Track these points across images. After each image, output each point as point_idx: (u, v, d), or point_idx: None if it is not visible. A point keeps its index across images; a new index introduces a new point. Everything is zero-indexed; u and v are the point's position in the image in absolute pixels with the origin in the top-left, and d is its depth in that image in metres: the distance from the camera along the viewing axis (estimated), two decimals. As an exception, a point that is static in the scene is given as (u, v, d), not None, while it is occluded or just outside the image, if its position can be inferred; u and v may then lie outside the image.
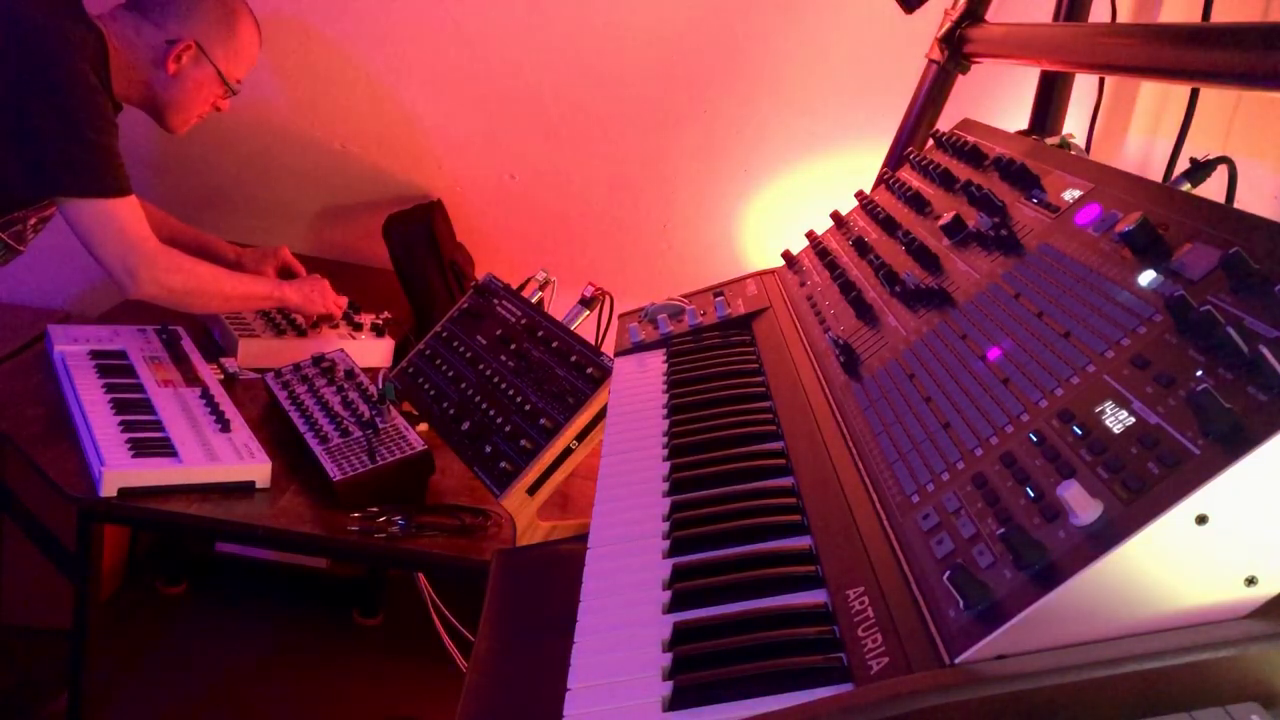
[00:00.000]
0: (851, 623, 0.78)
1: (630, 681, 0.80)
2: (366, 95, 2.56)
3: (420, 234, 2.40)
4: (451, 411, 1.75)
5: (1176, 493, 0.65)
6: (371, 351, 2.18)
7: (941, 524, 0.80)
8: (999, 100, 2.16)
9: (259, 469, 1.68)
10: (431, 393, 1.82)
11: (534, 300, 1.91)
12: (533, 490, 1.58)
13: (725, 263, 2.56)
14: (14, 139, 1.79)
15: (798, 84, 2.46)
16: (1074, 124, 1.87)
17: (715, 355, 1.38)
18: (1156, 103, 2.01)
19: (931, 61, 1.83)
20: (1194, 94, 1.56)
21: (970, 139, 1.40)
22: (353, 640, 2.61)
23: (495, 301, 1.91)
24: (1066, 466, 0.74)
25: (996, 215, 1.14)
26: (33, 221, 1.98)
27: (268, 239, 2.45)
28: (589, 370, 1.64)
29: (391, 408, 1.81)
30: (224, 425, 1.75)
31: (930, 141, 1.54)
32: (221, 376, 2.00)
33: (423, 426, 1.86)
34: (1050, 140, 1.69)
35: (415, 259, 2.39)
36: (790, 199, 2.56)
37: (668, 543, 0.97)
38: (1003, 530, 0.71)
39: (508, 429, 1.65)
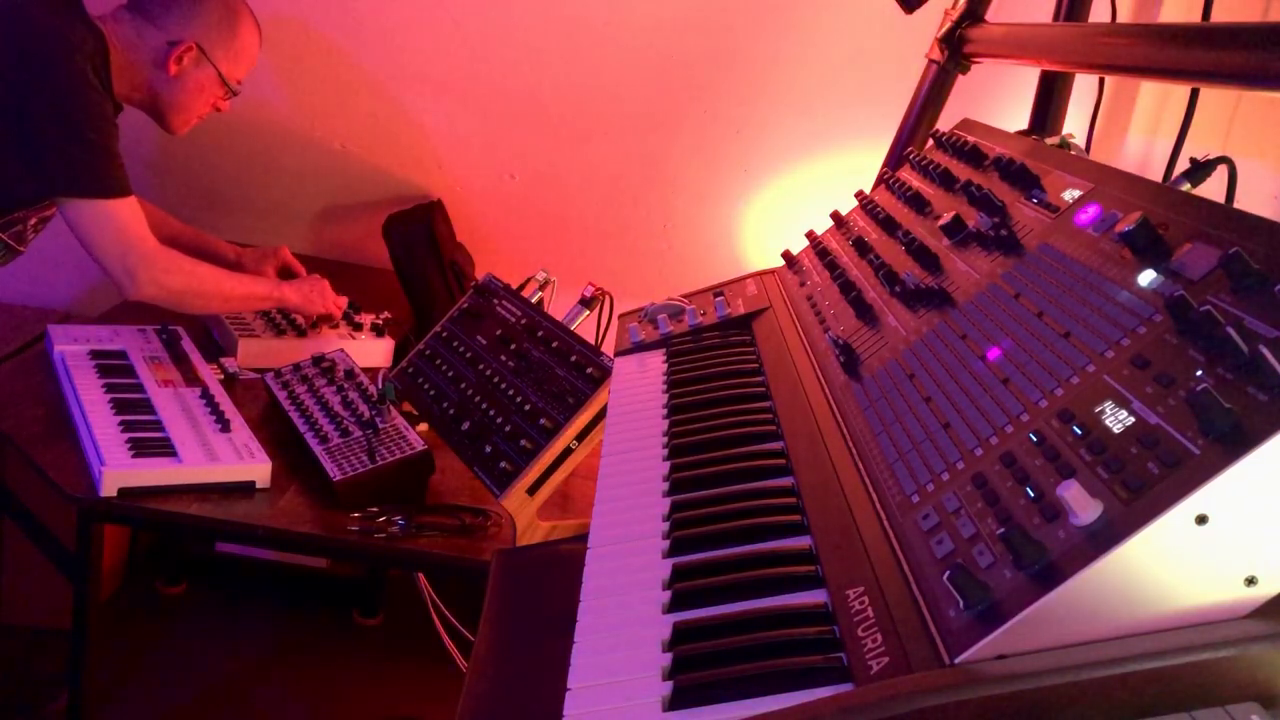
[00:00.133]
0: (851, 623, 0.78)
1: (630, 681, 0.80)
2: (366, 95, 2.56)
3: (420, 234, 2.40)
4: (451, 411, 1.75)
5: (1176, 493, 0.65)
6: (371, 351, 2.18)
7: (941, 524, 0.80)
8: (999, 100, 2.16)
9: (259, 469, 1.68)
10: (431, 393, 1.82)
11: (534, 300, 1.91)
12: (533, 490, 1.59)
13: (725, 263, 2.56)
14: (14, 139, 1.79)
15: (798, 84, 2.46)
16: (1074, 124, 1.87)
17: (715, 355, 1.38)
18: (1156, 103, 2.02)
19: (931, 61, 1.83)
20: (1194, 94, 1.56)
21: (970, 139, 1.40)
22: (353, 640, 2.61)
23: (495, 301, 1.91)
24: (1066, 466, 0.74)
25: (996, 215, 1.14)
26: (33, 222, 1.98)
27: (268, 239, 2.45)
28: (589, 370, 1.64)
29: (391, 408, 1.81)
30: (224, 425, 1.75)
31: (930, 141, 1.54)
32: (221, 376, 2.00)
33: (423, 426, 1.86)
34: (1050, 140, 1.69)
35: (415, 259, 2.39)
36: (790, 199, 2.56)
37: (668, 543, 0.97)
38: (1003, 530, 0.71)
39: (508, 429, 1.65)
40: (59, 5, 1.86)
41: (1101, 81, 1.83)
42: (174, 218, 2.23)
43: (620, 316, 1.64)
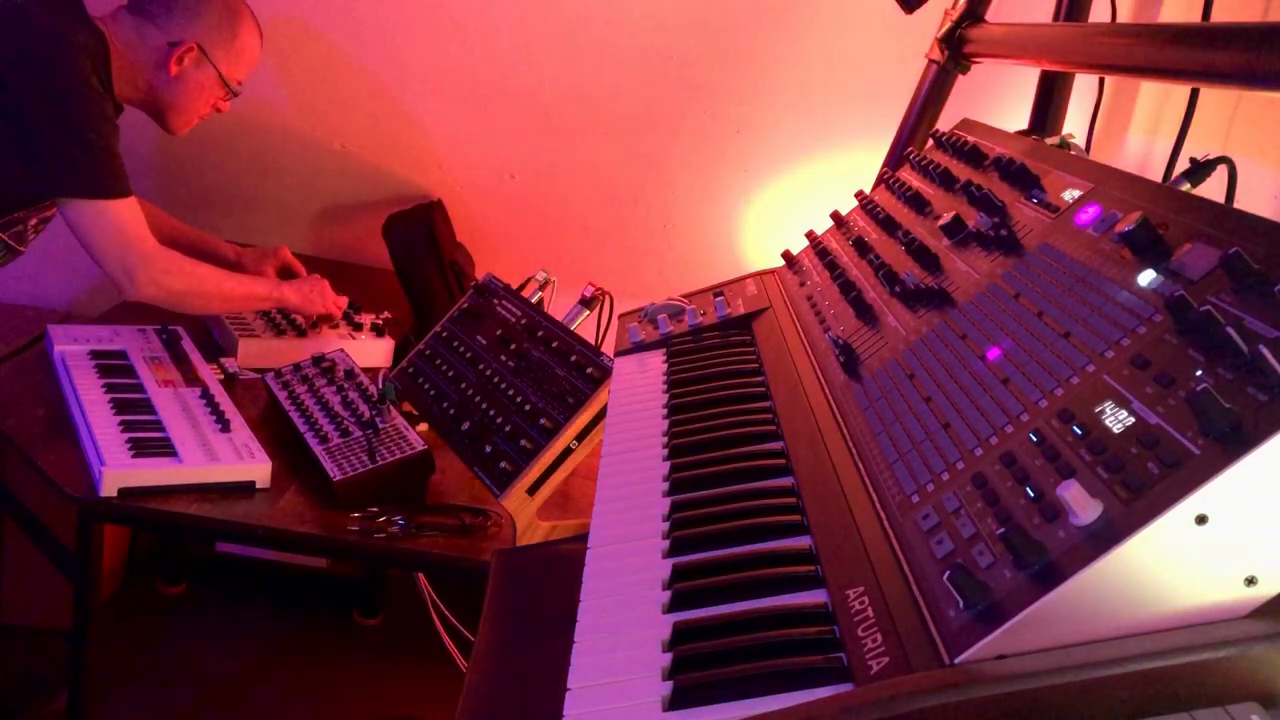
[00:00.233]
0: (851, 623, 0.78)
1: (630, 681, 0.80)
2: (366, 95, 2.56)
3: (420, 234, 2.40)
4: (451, 411, 1.75)
5: (1176, 493, 0.65)
6: (371, 351, 2.18)
7: (941, 524, 0.80)
8: (999, 100, 2.16)
9: (259, 469, 1.68)
10: (431, 393, 1.82)
11: (534, 300, 1.91)
12: (533, 490, 1.59)
13: (725, 263, 2.56)
14: (15, 139, 1.79)
15: (798, 84, 2.46)
16: (1074, 124, 1.87)
17: (715, 355, 1.38)
18: (1156, 103, 2.02)
19: (931, 61, 1.83)
20: (1194, 94, 1.56)
21: (970, 139, 1.40)
22: (353, 640, 2.61)
23: (495, 301, 1.92)
24: (1066, 466, 0.74)
25: (996, 215, 1.14)
26: (33, 222, 1.98)
27: (268, 239, 2.45)
28: (589, 370, 1.64)
29: (391, 408, 1.81)
30: (224, 425, 1.75)
31: (930, 141, 1.54)
32: (221, 376, 2.00)
33: (423, 426, 1.86)
34: (1050, 140, 1.69)
35: (415, 259, 2.39)
36: (790, 199, 2.56)
37: (667, 543, 0.97)
38: (1003, 530, 0.71)
39: (508, 429, 1.65)
40: (59, 5, 1.86)
41: (1101, 81, 1.83)
42: (174, 218, 2.23)
43: (620, 316, 1.64)
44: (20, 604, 2.28)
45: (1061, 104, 1.86)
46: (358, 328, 2.24)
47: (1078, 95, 1.87)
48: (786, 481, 1.04)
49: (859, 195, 1.55)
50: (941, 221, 1.21)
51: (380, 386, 1.82)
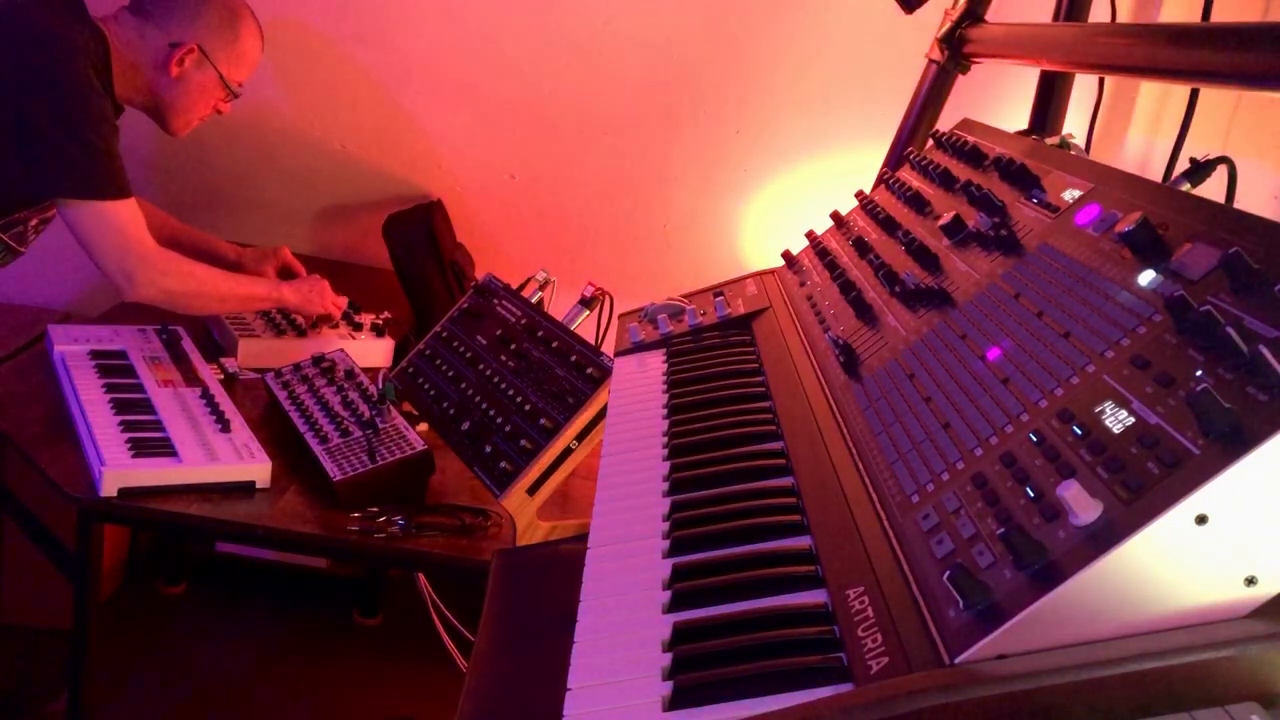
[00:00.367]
0: (851, 623, 0.78)
1: (630, 681, 0.80)
2: (366, 95, 2.56)
3: (420, 234, 2.40)
4: (451, 411, 1.75)
5: (1176, 493, 0.65)
6: (371, 351, 2.18)
7: (941, 524, 0.80)
8: (999, 100, 2.16)
9: (259, 469, 1.68)
10: (431, 393, 1.82)
11: (534, 300, 1.91)
12: (533, 490, 1.59)
13: (725, 263, 2.56)
14: (15, 139, 1.79)
15: (797, 84, 2.46)
16: (1074, 124, 1.87)
17: (715, 355, 1.38)
18: (1156, 103, 2.02)
19: (931, 61, 1.83)
20: (1194, 94, 1.56)
21: (970, 139, 1.40)
22: (353, 640, 2.61)
23: (495, 301, 1.92)
24: (1066, 466, 0.74)
25: (996, 215, 1.14)
26: (34, 223, 1.98)
27: (268, 239, 2.45)
28: (589, 370, 1.64)
29: (391, 408, 1.81)
30: (224, 425, 1.75)
31: (930, 141, 1.54)
32: (221, 376, 2.00)
33: (423, 426, 1.86)
34: (1050, 140, 1.69)
35: (415, 259, 2.39)
36: (790, 199, 2.56)
37: (668, 543, 0.97)
38: (1003, 530, 0.71)
39: (508, 429, 1.65)
40: (60, 6, 1.86)
41: (1101, 81, 1.83)
42: (174, 218, 2.23)
43: (620, 316, 1.64)
44: (20, 604, 2.28)
45: (1061, 104, 1.85)
46: (358, 328, 2.24)
47: (1078, 95, 1.87)
48: (786, 481, 1.04)
49: (859, 195, 1.55)
50: (941, 221, 1.21)
51: (380, 386, 1.82)
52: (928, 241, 1.23)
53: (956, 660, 0.68)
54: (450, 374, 1.82)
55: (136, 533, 2.62)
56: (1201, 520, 0.65)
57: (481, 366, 1.79)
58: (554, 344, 1.74)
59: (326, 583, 2.67)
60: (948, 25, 1.79)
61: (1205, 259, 0.80)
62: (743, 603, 0.85)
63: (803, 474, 1.03)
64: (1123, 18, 1.86)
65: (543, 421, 1.62)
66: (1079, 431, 0.76)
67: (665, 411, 1.25)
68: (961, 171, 1.34)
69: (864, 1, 2.34)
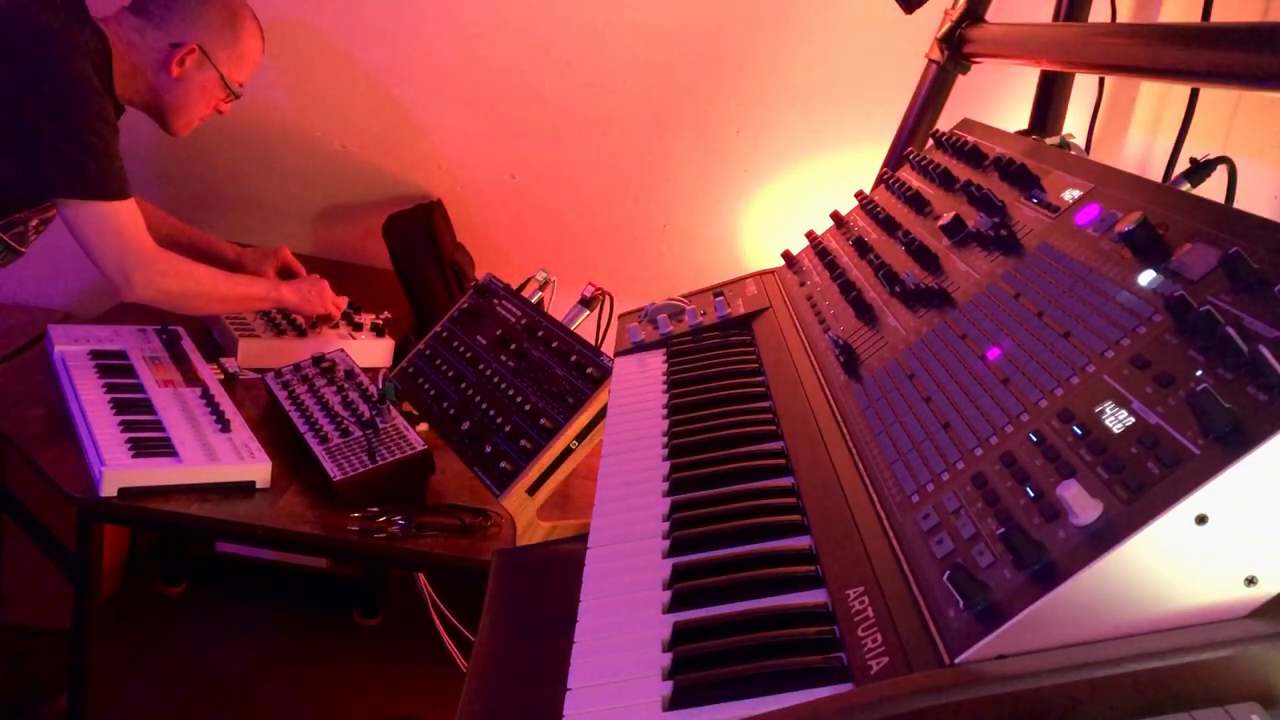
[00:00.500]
0: (851, 623, 0.78)
1: (630, 681, 0.80)
2: (366, 95, 2.56)
3: (420, 234, 2.40)
4: (451, 411, 1.75)
5: (1176, 493, 0.65)
6: (371, 351, 2.18)
7: (941, 524, 0.80)
8: (999, 100, 2.16)
9: (259, 469, 1.68)
10: (431, 393, 1.82)
11: (534, 300, 1.91)
12: (533, 490, 1.59)
13: (725, 263, 2.56)
14: (15, 139, 1.79)
15: (798, 84, 2.46)
16: (1074, 124, 1.88)
17: (715, 355, 1.38)
18: (1156, 103, 2.02)
19: (931, 61, 1.83)
20: (1194, 94, 1.56)
21: (970, 139, 1.40)
22: (353, 640, 2.61)
23: (495, 301, 1.92)
24: (1066, 466, 0.74)
25: (996, 215, 1.14)
26: (34, 223, 1.98)
27: (268, 239, 2.45)
28: (589, 370, 1.64)
29: (391, 408, 1.81)
30: (224, 425, 1.75)
31: (930, 141, 1.54)
32: (221, 376, 2.00)
33: (423, 426, 1.86)
34: (1050, 140, 1.69)
35: (415, 259, 2.39)
36: (790, 199, 2.56)
37: (668, 543, 0.98)
38: (1003, 530, 0.71)
39: (508, 429, 1.65)
40: (61, 6, 1.86)
41: (1101, 81, 1.83)
42: (174, 218, 2.23)
43: (620, 316, 1.64)
44: (20, 604, 2.28)
45: (1061, 104, 1.85)
46: (358, 328, 2.24)
47: (1078, 95, 1.87)
48: (786, 481, 1.04)
49: (859, 195, 1.55)
50: (941, 221, 1.21)
51: (380, 386, 1.82)
52: (928, 241, 1.23)
53: (956, 660, 0.68)
54: (450, 374, 1.82)
55: (136, 533, 2.62)
56: (1201, 520, 0.65)
57: (481, 366, 1.79)
58: (554, 344, 1.74)
59: (326, 583, 2.67)
60: (948, 25, 1.79)
61: (1205, 259, 0.80)
62: (743, 603, 0.85)
63: (803, 474, 1.03)
64: (1123, 18, 1.86)
65: (543, 421, 1.62)
66: (1079, 431, 0.76)
67: (665, 411, 1.25)
68: (961, 171, 1.34)
69: (864, 2, 2.34)
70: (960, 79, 1.82)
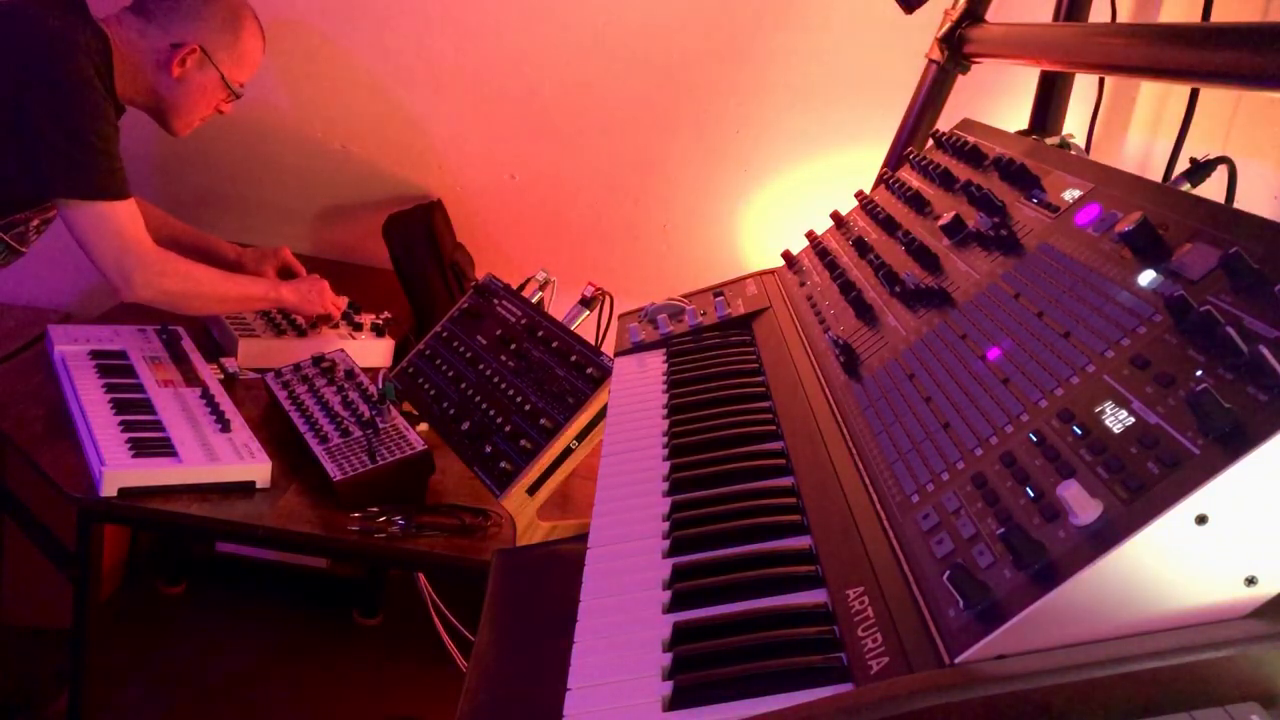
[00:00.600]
0: (851, 623, 0.78)
1: (630, 681, 0.80)
2: (366, 95, 2.56)
3: (420, 234, 2.40)
4: (451, 411, 1.75)
5: (1176, 493, 0.65)
6: (371, 351, 2.18)
7: (941, 524, 0.80)
8: (999, 100, 2.16)
9: (259, 469, 1.68)
10: (431, 393, 1.82)
11: (534, 300, 1.92)
12: (533, 490, 1.59)
13: (725, 263, 2.56)
14: (15, 139, 1.79)
15: (797, 84, 2.46)
16: (1074, 124, 1.87)
17: (715, 355, 1.38)
18: (1156, 103, 2.02)
19: (931, 61, 1.83)
20: (1194, 94, 1.56)
21: (970, 139, 1.40)
22: (353, 640, 2.61)
23: (495, 301, 1.92)
24: (1066, 466, 0.74)
25: (996, 215, 1.14)
26: (35, 223, 1.98)
27: (268, 239, 2.45)
28: (589, 370, 1.64)
29: (391, 408, 1.81)
30: (224, 425, 1.75)
31: (930, 141, 1.54)
32: (221, 376, 2.00)
33: (423, 426, 1.86)
34: (1050, 140, 1.69)
35: (415, 259, 2.39)
36: (790, 199, 2.56)
37: (668, 542, 0.98)
38: (1003, 530, 0.71)
39: (508, 429, 1.65)
40: (62, 6, 1.86)
41: (1101, 81, 1.83)
42: (174, 218, 2.23)
43: (620, 316, 1.64)
44: (20, 604, 2.28)
45: (1061, 104, 1.85)
46: (358, 328, 2.24)
47: (1078, 95, 1.87)
48: (786, 481, 1.04)
49: (859, 195, 1.55)
50: (941, 221, 1.21)
51: (380, 386, 1.82)
52: (928, 241, 1.23)
53: (956, 660, 0.68)
54: (450, 374, 1.82)
55: (136, 533, 2.62)
56: (1201, 520, 0.65)
57: (481, 366, 1.79)
58: (554, 344, 1.74)
59: (326, 583, 2.67)
60: (948, 25, 1.79)
61: (1205, 259, 0.80)
62: (743, 603, 0.85)
63: (803, 474, 1.03)
64: (1123, 18, 1.86)
65: (543, 421, 1.62)
66: (1079, 431, 0.76)
67: (665, 411, 1.25)
68: (961, 171, 1.34)
69: (864, 2, 2.34)
70: (960, 79, 1.82)
